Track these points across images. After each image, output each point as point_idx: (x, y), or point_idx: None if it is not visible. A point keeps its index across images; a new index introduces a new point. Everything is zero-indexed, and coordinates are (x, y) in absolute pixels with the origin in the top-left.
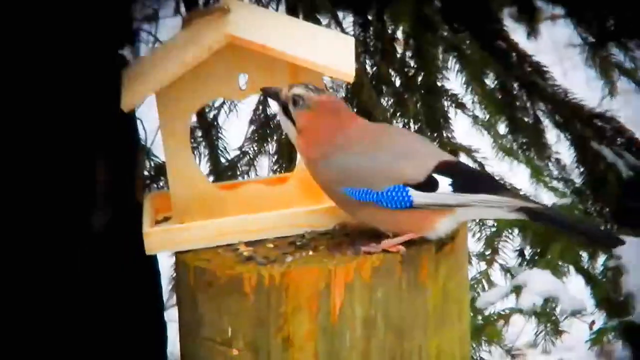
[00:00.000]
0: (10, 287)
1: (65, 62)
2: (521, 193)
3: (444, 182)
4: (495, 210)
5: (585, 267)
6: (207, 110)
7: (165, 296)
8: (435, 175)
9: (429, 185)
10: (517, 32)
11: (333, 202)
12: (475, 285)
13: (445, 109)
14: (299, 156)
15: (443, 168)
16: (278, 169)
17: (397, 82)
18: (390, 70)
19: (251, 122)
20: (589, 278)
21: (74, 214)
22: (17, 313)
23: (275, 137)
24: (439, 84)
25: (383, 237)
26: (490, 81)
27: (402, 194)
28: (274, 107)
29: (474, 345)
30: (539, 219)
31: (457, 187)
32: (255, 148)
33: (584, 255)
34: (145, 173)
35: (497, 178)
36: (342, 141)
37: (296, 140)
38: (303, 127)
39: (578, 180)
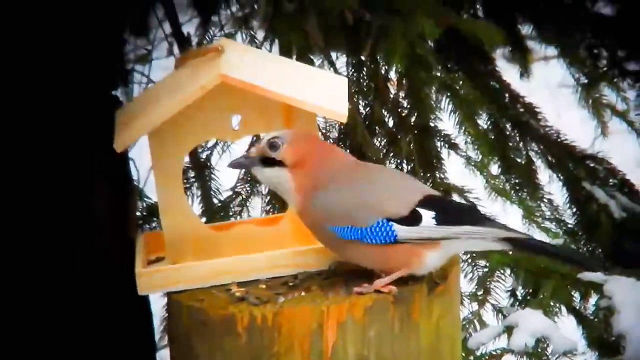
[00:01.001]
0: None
1: (59, 102)
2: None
3: (428, 216)
4: (480, 241)
5: (577, 307)
6: (200, 150)
7: (157, 336)
8: (419, 209)
9: (412, 219)
10: (509, 73)
11: (319, 242)
12: (467, 326)
13: (438, 149)
14: None
15: (427, 202)
16: (271, 210)
17: (390, 122)
18: (383, 111)
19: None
20: (581, 318)
21: (67, 253)
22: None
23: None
24: (432, 124)
25: (375, 278)
26: (483, 121)
27: (386, 228)
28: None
29: None
30: (522, 248)
31: (441, 220)
32: (248, 189)
33: (576, 295)
34: (138, 213)
35: (479, 209)
36: (327, 177)
37: (290, 180)
38: (293, 161)
39: (571, 221)
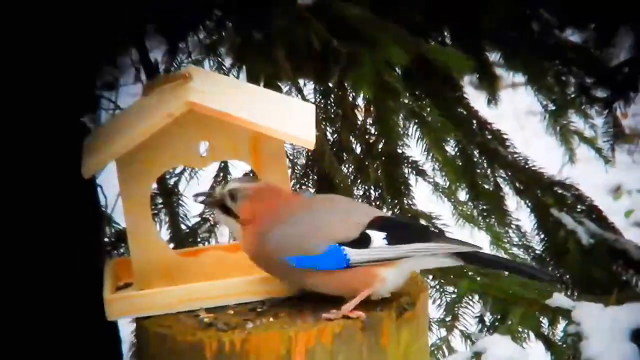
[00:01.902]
0: None
1: (27, 129)
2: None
3: (378, 237)
4: (432, 258)
5: (546, 333)
6: (167, 177)
7: None
8: (369, 231)
9: (362, 241)
10: (477, 100)
11: (276, 278)
12: (436, 352)
13: (406, 175)
14: None
15: (376, 223)
16: None
17: (358, 149)
18: (351, 137)
19: (212, 189)
20: (549, 344)
21: (35, 279)
22: None
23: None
24: (399, 150)
25: (343, 304)
26: (451, 148)
27: (338, 253)
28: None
29: None
30: (472, 261)
31: (392, 240)
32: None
33: (544, 321)
34: (106, 239)
35: (429, 227)
36: (278, 218)
37: (240, 233)
38: (246, 219)
39: (539, 247)
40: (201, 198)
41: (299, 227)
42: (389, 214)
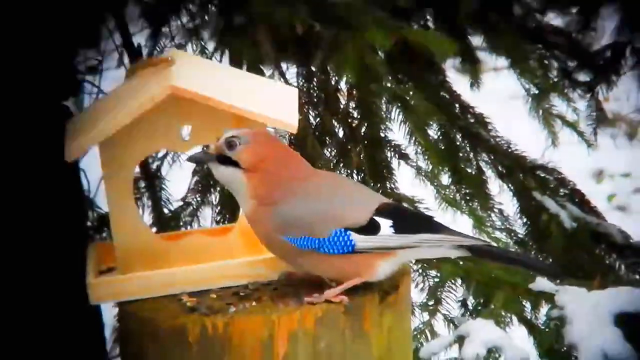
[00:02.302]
0: None
1: (9, 113)
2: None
3: (385, 224)
4: (437, 249)
5: (529, 317)
6: (150, 161)
7: (108, 346)
8: (377, 218)
9: (370, 228)
10: (460, 83)
11: (271, 252)
12: (419, 336)
13: (389, 159)
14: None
15: (383, 210)
16: (221, 220)
17: (341, 133)
18: (333, 121)
19: (194, 173)
20: (532, 328)
21: (18, 262)
22: None
23: (218, 188)
24: (382, 134)
25: (326, 288)
26: (433, 132)
27: (344, 238)
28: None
29: None
30: (480, 255)
31: (398, 229)
32: (198, 199)
33: (527, 305)
34: (89, 224)
35: (434, 217)
36: (284, 189)
37: (245, 183)
38: (250, 164)
39: (521, 231)
40: (195, 155)
41: (307, 207)
42: (397, 202)
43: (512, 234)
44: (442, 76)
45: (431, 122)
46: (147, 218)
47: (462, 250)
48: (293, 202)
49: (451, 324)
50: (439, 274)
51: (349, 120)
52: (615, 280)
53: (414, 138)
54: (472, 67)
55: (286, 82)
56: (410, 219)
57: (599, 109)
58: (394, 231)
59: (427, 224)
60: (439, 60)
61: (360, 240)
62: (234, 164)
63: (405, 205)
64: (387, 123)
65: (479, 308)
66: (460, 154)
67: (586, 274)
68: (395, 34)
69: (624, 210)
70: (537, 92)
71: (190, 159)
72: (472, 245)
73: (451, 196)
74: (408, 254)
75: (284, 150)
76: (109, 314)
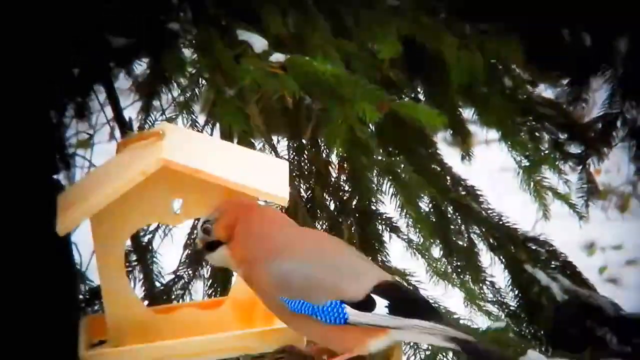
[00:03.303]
0: None
1: (0, 187)
2: (456, 322)
3: (381, 303)
4: (429, 337)
5: None
6: (141, 234)
7: None
8: (374, 296)
9: (366, 304)
10: (451, 156)
11: (268, 309)
12: None
13: (380, 232)
14: (233, 279)
15: (382, 288)
16: (213, 293)
17: (332, 206)
18: (324, 194)
19: (186, 246)
20: None
21: (10, 338)
22: None
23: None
24: (373, 207)
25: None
26: (424, 204)
27: (338, 310)
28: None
29: None
30: (470, 352)
31: (393, 310)
32: (190, 272)
33: None
34: (81, 297)
35: (433, 303)
36: (283, 243)
37: (229, 256)
38: (225, 235)
39: (513, 304)
40: (193, 258)
41: (306, 271)
42: (393, 278)
43: (504, 306)
44: (433, 148)
45: (422, 195)
46: (139, 291)
47: (453, 344)
48: (285, 261)
49: None
50: (429, 347)
51: (340, 193)
52: (606, 352)
53: (405, 211)
54: (463, 139)
55: (277, 154)
56: (406, 302)
57: (590, 181)
58: (388, 311)
59: (423, 310)
60: (430, 133)
61: (354, 315)
62: (218, 244)
63: (403, 284)
64: (378, 196)
65: None
66: (452, 227)
67: (577, 346)
68: (385, 106)
69: (615, 282)
70: (528, 164)
71: (192, 262)
72: (464, 341)
73: (442, 269)
74: (400, 334)
75: (252, 208)
76: None
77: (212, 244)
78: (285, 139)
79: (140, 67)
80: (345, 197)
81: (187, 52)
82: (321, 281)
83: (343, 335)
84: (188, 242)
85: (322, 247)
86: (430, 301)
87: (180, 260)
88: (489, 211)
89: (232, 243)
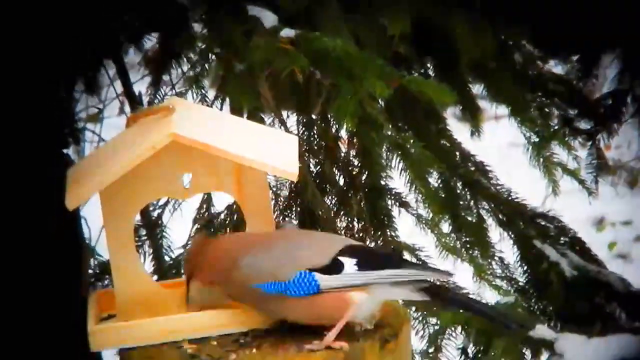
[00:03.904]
0: None
1: (10, 162)
2: (425, 264)
3: (350, 263)
4: (400, 290)
5: None
6: (151, 208)
7: None
8: (341, 258)
9: (334, 268)
10: (460, 132)
11: (251, 308)
12: None
13: (389, 207)
14: None
15: (348, 250)
16: None
17: (341, 181)
18: (334, 169)
19: (195, 220)
20: None
21: (20, 313)
22: None
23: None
24: (382, 182)
25: (325, 335)
26: (433, 180)
27: (307, 279)
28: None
29: None
30: (441, 299)
31: (362, 266)
32: None
33: (527, 353)
34: (90, 271)
35: (401, 255)
36: (242, 247)
37: (201, 286)
38: (192, 272)
39: (521, 279)
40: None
41: (269, 254)
42: (362, 243)
43: (513, 282)
44: (443, 124)
45: (432, 171)
46: (148, 266)
47: (423, 294)
48: (257, 254)
49: None
50: (438, 322)
51: (350, 169)
52: (615, 328)
53: (414, 186)
54: (472, 115)
55: (286, 130)
56: (375, 256)
57: (600, 157)
58: (357, 268)
59: (392, 261)
60: (439, 109)
61: (325, 280)
62: (191, 282)
63: (369, 246)
64: (387, 171)
65: (479, 356)
66: (461, 202)
67: (586, 322)
68: (395, 82)
69: (624, 258)
70: (537, 140)
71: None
72: (433, 290)
73: (451, 244)
74: (379, 290)
75: (207, 241)
76: None
77: (188, 284)
78: (294, 114)
79: (150, 42)
80: (354, 173)
81: (197, 27)
82: (285, 257)
83: (323, 305)
84: (197, 216)
85: (281, 235)
86: (398, 252)
87: (190, 234)
88: (498, 187)
89: (197, 274)
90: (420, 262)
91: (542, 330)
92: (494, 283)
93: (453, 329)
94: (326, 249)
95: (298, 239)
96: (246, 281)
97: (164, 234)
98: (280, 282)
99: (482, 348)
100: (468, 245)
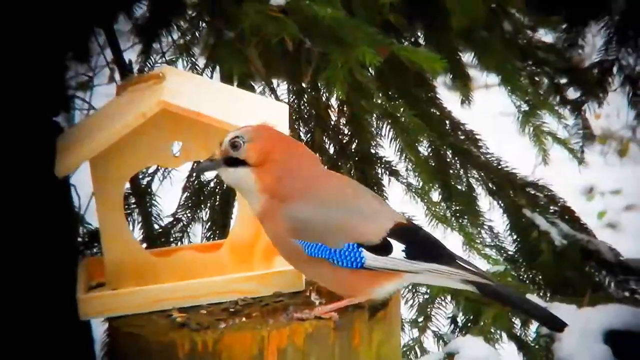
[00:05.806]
0: None
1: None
2: (473, 266)
3: (398, 247)
4: (445, 279)
5: (518, 334)
6: (140, 176)
7: None
8: (390, 239)
9: (383, 248)
10: (450, 100)
11: (279, 254)
12: (408, 352)
13: (379, 176)
14: (232, 222)
15: (398, 231)
16: (211, 236)
17: (331, 149)
18: (324, 137)
19: (185, 189)
20: (522, 345)
21: (8, 278)
22: None
23: (208, 204)
24: (373, 151)
25: (317, 305)
26: (424, 149)
27: (355, 254)
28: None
29: None
30: (487, 293)
31: (410, 254)
32: (189, 215)
33: (517, 322)
34: (79, 239)
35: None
36: (299, 186)
37: (255, 181)
38: (257, 159)
39: (511, 248)
40: (203, 165)
41: (323, 214)
42: (408, 220)
43: (502, 251)
44: (433, 93)
45: (422, 139)
46: (138, 234)
47: (470, 286)
48: (306, 204)
49: (441, 341)
50: (428, 291)
51: (340, 137)
52: (604, 297)
53: (404, 155)
54: (462, 83)
55: (277, 98)
56: (423, 246)
57: (586, 126)
58: (405, 255)
59: (440, 254)
60: (430, 77)
61: (371, 259)
62: (242, 163)
63: (418, 225)
64: (377, 139)
65: (469, 325)
66: (451, 171)
67: (576, 291)
68: (385, 50)
69: (614, 227)
70: (527, 108)
71: (200, 170)
72: (481, 283)
73: (441, 213)
74: (415, 278)
75: (289, 141)
76: (99, 330)
77: (234, 160)
78: (285, 82)
79: (140, 9)
80: (344, 141)
81: None
82: (341, 224)
83: (355, 280)
84: (187, 184)
85: (343, 191)
86: (445, 246)
87: (179, 202)
88: (488, 156)
89: (261, 169)
90: (469, 263)
91: (531, 300)
92: (483, 252)
93: (442, 298)
94: (379, 225)
95: (355, 201)
96: (290, 232)
97: (153, 202)
98: (327, 247)
99: (471, 317)
100: (458, 214)
